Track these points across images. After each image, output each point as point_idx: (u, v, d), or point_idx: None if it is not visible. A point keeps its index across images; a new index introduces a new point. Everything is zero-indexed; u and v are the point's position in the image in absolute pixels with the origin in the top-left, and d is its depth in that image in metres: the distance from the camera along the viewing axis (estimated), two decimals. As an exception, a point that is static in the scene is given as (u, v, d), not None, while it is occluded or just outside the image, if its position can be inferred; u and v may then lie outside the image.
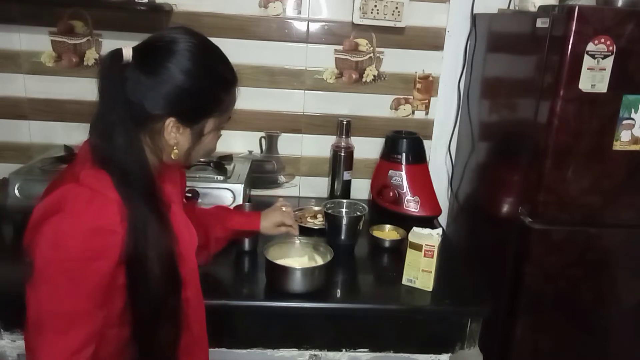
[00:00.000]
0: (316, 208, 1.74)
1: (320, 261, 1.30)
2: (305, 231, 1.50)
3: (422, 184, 1.78)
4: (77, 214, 0.79)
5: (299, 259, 1.32)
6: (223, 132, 1.01)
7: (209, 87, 0.90)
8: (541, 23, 1.35)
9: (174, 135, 0.89)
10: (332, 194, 1.87)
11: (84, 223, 0.79)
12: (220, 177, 1.61)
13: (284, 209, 1.34)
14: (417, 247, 1.28)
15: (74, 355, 0.80)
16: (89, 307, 0.81)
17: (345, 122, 1.82)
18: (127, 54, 0.84)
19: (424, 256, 1.27)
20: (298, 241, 1.35)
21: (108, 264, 0.80)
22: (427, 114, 1.92)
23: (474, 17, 1.79)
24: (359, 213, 1.52)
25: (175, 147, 0.91)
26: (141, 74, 0.84)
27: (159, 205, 0.89)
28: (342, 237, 1.49)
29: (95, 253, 0.79)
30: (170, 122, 0.87)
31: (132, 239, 0.81)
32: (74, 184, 0.82)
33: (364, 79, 1.86)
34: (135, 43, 0.89)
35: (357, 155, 1.86)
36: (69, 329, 0.80)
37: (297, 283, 1.23)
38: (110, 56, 0.85)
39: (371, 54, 1.84)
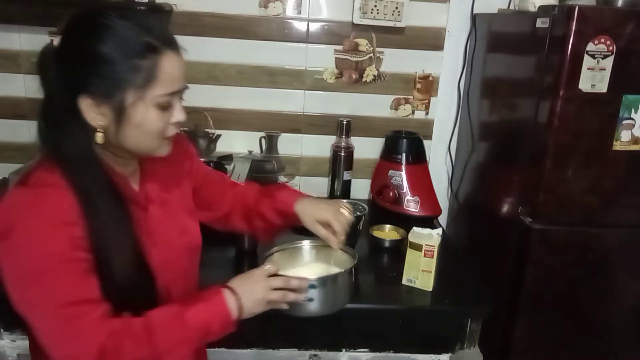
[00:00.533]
0: (316, 208, 1.73)
1: (335, 269, 1.09)
2: (304, 231, 1.50)
3: (422, 184, 1.78)
4: (30, 228, 0.77)
5: (312, 267, 1.12)
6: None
7: (114, 53, 0.79)
8: (541, 23, 1.35)
9: (94, 116, 0.81)
10: (332, 194, 1.87)
11: (41, 228, 0.77)
12: (220, 177, 1.60)
13: (342, 210, 1.09)
14: (417, 247, 1.28)
15: (105, 322, 0.79)
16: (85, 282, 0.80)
17: (345, 122, 1.82)
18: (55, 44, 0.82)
19: (424, 256, 1.27)
20: (307, 245, 1.16)
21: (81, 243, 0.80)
22: (427, 114, 1.92)
23: (474, 17, 1.79)
24: (359, 213, 1.52)
25: (98, 129, 0.82)
26: (54, 57, 0.81)
27: (113, 202, 0.84)
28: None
29: (66, 243, 0.78)
30: (84, 100, 0.80)
31: (90, 232, 0.80)
32: (18, 187, 0.81)
33: (364, 79, 1.86)
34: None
35: (357, 155, 1.86)
36: (84, 311, 0.78)
37: (317, 303, 1.01)
38: (40, 51, 0.83)
39: (371, 54, 1.84)
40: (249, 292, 0.89)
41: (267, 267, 0.94)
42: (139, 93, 0.81)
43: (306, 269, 1.10)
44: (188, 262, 1.01)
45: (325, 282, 1.00)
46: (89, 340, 0.76)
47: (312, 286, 0.97)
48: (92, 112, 0.81)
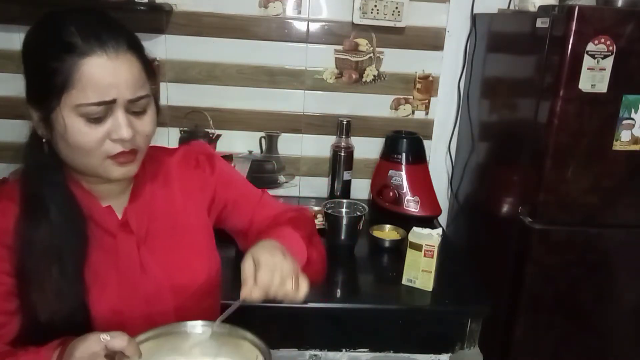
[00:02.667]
0: (316, 208, 1.74)
1: None
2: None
3: (422, 184, 1.78)
4: None
5: None
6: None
7: (37, 56, 0.74)
8: (541, 23, 1.35)
9: (37, 124, 0.77)
10: (332, 194, 1.87)
11: None
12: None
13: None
14: (417, 247, 1.28)
15: None
16: None
17: (345, 122, 1.82)
18: None
19: (424, 256, 1.27)
20: (205, 329, 0.80)
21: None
22: (427, 114, 1.92)
23: (474, 17, 1.79)
24: (359, 213, 1.52)
25: (44, 139, 0.77)
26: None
27: (64, 217, 0.77)
28: (342, 237, 1.49)
29: None
30: (29, 107, 0.76)
31: (21, 255, 0.75)
32: None
33: (364, 79, 1.86)
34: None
35: (357, 155, 1.86)
36: None
37: None
38: None
39: (371, 54, 1.84)
40: None
41: (105, 336, 0.66)
42: (57, 99, 0.71)
43: None
44: (178, 303, 0.87)
45: None
46: None
47: None
48: (35, 120, 0.77)
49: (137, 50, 0.76)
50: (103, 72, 0.71)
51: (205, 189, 0.94)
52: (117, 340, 0.66)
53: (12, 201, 0.77)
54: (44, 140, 0.78)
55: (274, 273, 0.74)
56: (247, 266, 0.76)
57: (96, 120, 0.73)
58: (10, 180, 0.81)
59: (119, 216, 0.84)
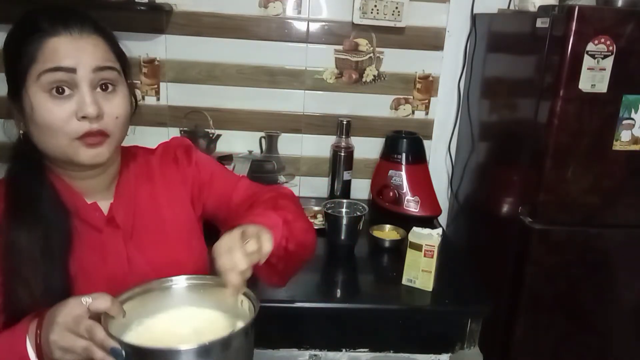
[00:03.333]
0: (316, 208, 1.74)
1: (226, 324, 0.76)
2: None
3: (422, 184, 1.78)
4: None
5: (190, 313, 0.78)
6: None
7: (7, 45, 0.77)
8: (541, 23, 1.35)
9: (16, 118, 0.78)
10: (332, 194, 1.87)
11: None
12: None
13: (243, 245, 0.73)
14: (417, 247, 1.28)
15: None
16: None
17: (345, 122, 1.82)
18: None
19: (424, 256, 1.27)
20: (187, 283, 0.80)
21: None
22: (427, 114, 1.92)
23: (474, 17, 1.79)
24: (359, 213, 1.52)
25: (20, 130, 0.78)
26: None
27: (47, 212, 0.77)
28: (342, 237, 1.49)
29: None
30: (10, 105, 0.78)
31: (3, 251, 0.74)
32: None
33: (364, 79, 1.86)
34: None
35: (357, 155, 1.86)
36: None
37: None
38: None
39: (371, 54, 1.84)
40: (47, 328, 0.66)
41: (86, 298, 0.65)
42: (23, 78, 0.74)
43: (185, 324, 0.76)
44: None
45: (141, 355, 0.64)
46: None
47: (115, 353, 0.63)
48: (15, 115, 0.78)
49: (104, 34, 0.78)
50: (66, 46, 0.73)
51: (185, 182, 0.94)
52: (100, 301, 0.65)
53: None
54: (21, 132, 0.79)
55: (232, 252, 0.71)
56: (217, 266, 0.72)
57: (60, 94, 0.73)
58: None
59: (105, 212, 0.85)
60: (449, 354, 1.33)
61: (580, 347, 1.50)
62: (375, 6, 1.74)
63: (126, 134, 0.84)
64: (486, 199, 1.71)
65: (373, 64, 1.85)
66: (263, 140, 1.88)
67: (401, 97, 1.89)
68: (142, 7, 1.58)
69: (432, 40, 1.84)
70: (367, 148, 1.90)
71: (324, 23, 1.80)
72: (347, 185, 1.86)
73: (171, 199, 0.92)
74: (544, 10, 1.38)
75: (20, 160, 0.81)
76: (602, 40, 1.24)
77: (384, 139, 1.85)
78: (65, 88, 0.74)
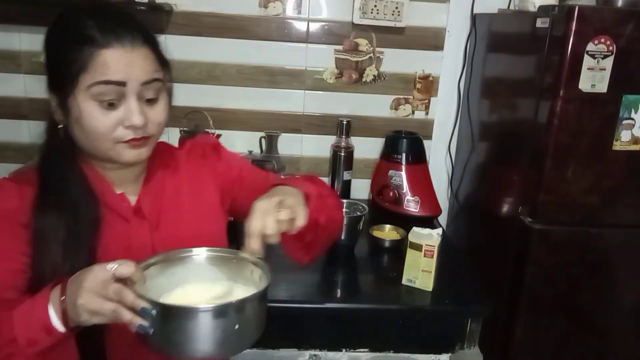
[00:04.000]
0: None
1: (240, 291, 0.80)
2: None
3: (422, 184, 1.78)
4: None
5: (206, 287, 0.82)
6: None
7: (56, 47, 0.80)
8: (541, 23, 1.35)
9: (55, 110, 0.81)
10: (332, 194, 1.87)
11: None
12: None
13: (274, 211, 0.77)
14: (417, 247, 1.28)
15: None
16: None
17: (345, 122, 1.82)
18: None
19: (424, 256, 1.27)
20: (204, 254, 0.84)
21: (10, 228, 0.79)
22: (427, 114, 1.92)
23: (474, 17, 1.79)
24: (359, 213, 1.52)
25: (59, 125, 0.82)
26: None
27: (77, 202, 0.80)
28: (342, 237, 1.49)
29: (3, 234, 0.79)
30: (49, 95, 0.81)
31: (34, 234, 0.78)
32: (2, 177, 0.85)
33: (364, 79, 1.86)
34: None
35: (357, 155, 1.86)
36: None
37: (201, 338, 0.68)
38: None
39: (371, 54, 1.84)
40: (73, 293, 0.68)
41: (111, 265, 0.68)
42: (73, 84, 0.77)
43: (202, 290, 0.82)
44: None
45: (170, 313, 0.67)
46: None
47: (145, 312, 0.66)
48: (53, 107, 0.81)
49: (152, 44, 0.82)
50: (117, 60, 0.76)
51: (215, 177, 0.98)
52: (125, 267, 0.68)
53: (31, 185, 0.81)
54: (60, 126, 0.82)
55: (266, 218, 0.75)
56: (247, 225, 0.76)
57: (109, 105, 0.77)
58: (29, 167, 0.85)
59: (132, 203, 0.88)
60: (449, 354, 1.33)
61: (580, 347, 1.50)
62: (375, 6, 1.74)
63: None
64: (486, 199, 1.71)
65: (373, 64, 1.85)
66: (263, 140, 1.88)
67: (401, 97, 1.89)
68: (142, 7, 1.58)
69: (432, 40, 1.84)
70: (367, 148, 1.90)
71: (324, 23, 1.80)
72: (347, 185, 1.86)
73: (195, 193, 0.95)
74: (544, 10, 1.38)
75: (54, 148, 0.83)
76: (602, 40, 1.24)
77: (384, 139, 1.85)
78: (114, 101, 0.77)
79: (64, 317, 0.69)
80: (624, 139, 1.32)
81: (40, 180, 0.81)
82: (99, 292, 0.66)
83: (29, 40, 1.73)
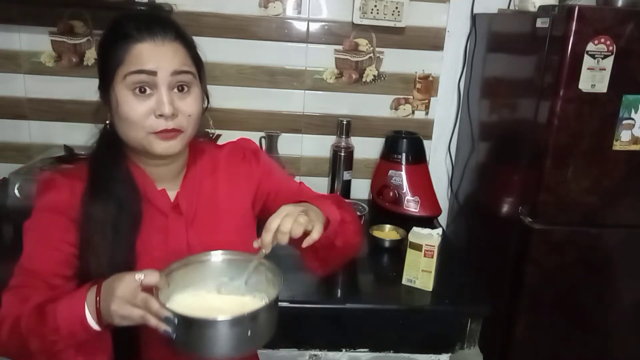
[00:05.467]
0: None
1: (251, 302, 0.86)
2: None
3: (422, 184, 1.78)
4: (36, 204, 0.89)
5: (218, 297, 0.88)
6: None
7: (100, 48, 0.89)
8: (541, 23, 1.35)
9: (102, 108, 0.90)
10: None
11: (37, 198, 0.89)
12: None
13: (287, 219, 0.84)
14: (417, 247, 1.28)
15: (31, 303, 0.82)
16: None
17: (345, 122, 1.82)
18: None
19: (424, 256, 1.27)
20: (216, 258, 0.91)
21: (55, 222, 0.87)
22: (427, 114, 1.92)
23: (474, 17, 1.79)
24: (358, 213, 1.52)
25: (107, 120, 0.90)
26: None
27: (121, 194, 0.88)
28: (342, 237, 1.49)
29: (53, 226, 0.87)
30: (99, 94, 0.91)
31: (81, 225, 0.86)
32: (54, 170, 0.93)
33: (364, 79, 1.86)
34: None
35: (357, 155, 1.86)
36: (33, 285, 0.85)
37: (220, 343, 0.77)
38: None
39: (371, 54, 1.84)
40: (106, 299, 0.76)
41: (139, 275, 0.75)
42: (112, 77, 0.85)
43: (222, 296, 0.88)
44: None
45: (188, 323, 0.75)
46: (9, 309, 0.81)
47: (168, 320, 0.74)
48: (101, 104, 0.89)
49: (184, 41, 0.89)
50: (149, 51, 0.84)
51: (250, 179, 1.04)
52: (150, 277, 0.76)
53: (81, 180, 0.88)
54: (107, 122, 0.90)
55: (285, 218, 0.82)
56: (267, 221, 0.84)
57: (142, 93, 0.84)
58: (80, 163, 0.93)
59: (171, 199, 0.95)
60: (449, 354, 1.33)
61: (580, 347, 1.50)
62: (375, 6, 1.74)
63: (197, 130, 0.94)
64: (486, 199, 1.71)
65: (373, 64, 1.85)
66: (263, 140, 1.88)
67: (401, 97, 1.89)
68: (142, 7, 1.58)
69: (432, 40, 1.84)
70: (367, 148, 1.90)
71: (324, 23, 1.80)
72: (347, 185, 1.86)
73: (231, 192, 1.01)
74: (544, 10, 1.38)
75: (104, 145, 0.91)
76: (602, 40, 1.24)
77: (384, 139, 1.85)
78: (147, 88, 0.84)
79: (99, 315, 0.76)
80: (624, 139, 1.32)
81: (90, 173, 0.89)
82: (129, 300, 0.74)
83: (29, 40, 1.73)
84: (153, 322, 0.74)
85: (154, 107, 0.84)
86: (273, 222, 0.82)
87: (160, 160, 0.92)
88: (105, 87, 0.87)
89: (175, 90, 0.87)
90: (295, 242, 0.85)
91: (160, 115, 0.85)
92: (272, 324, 0.83)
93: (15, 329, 0.78)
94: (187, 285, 0.87)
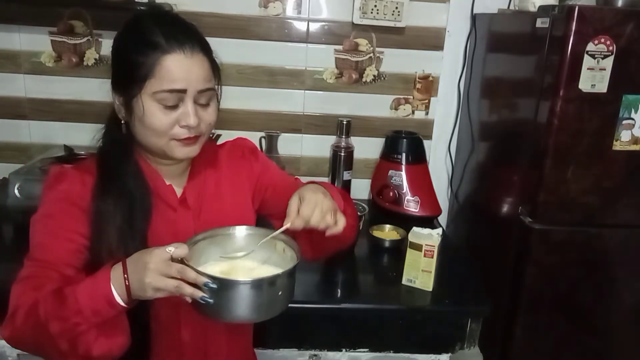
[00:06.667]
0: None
1: (272, 268, 0.92)
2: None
3: (422, 184, 1.78)
4: (47, 196, 0.91)
5: (240, 263, 0.94)
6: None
7: (124, 50, 0.89)
8: (541, 23, 1.35)
9: (118, 108, 0.91)
10: (332, 194, 1.87)
11: (48, 189, 0.91)
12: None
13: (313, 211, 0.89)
14: (417, 247, 1.28)
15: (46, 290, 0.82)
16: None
17: (345, 122, 1.82)
18: None
19: (424, 256, 1.27)
20: (243, 232, 0.98)
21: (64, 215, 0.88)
22: (427, 114, 1.92)
23: (474, 17, 1.79)
24: (359, 213, 1.52)
25: (122, 122, 0.92)
26: None
27: (131, 189, 0.90)
28: (342, 237, 1.49)
29: (66, 217, 0.88)
30: (114, 93, 0.91)
31: (93, 217, 0.87)
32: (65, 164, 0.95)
33: (364, 79, 1.86)
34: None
35: (357, 155, 1.86)
36: (47, 275, 0.85)
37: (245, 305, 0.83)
38: None
39: (371, 54, 1.84)
40: (137, 273, 0.77)
41: (169, 248, 0.78)
42: (139, 87, 0.86)
43: (241, 264, 0.94)
44: None
45: (228, 286, 0.80)
46: (22, 298, 0.81)
47: (208, 286, 0.78)
48: (117, 105, 0.91)
49: (208, 52, 0.91)
50: (179, 67, 0.86)
51: (251, 176, 1.08)
52: (181, 250, 0.79)
53: (91, 174, 0.91)
54: (122, 122, 0.92)
55: (316, 207, 0.88)
56: (292, 201, 0.90)
57: (170, 107, 0.87)
58: (89, 158, 0.95)
59: (178, 194, 0.98)
60: (449, 354, 1.33)
61: (580, 347, 1.50)
62: (375, 6, 1.74)
63: None
64: (486, 199, 1.71)
65: (373, 64, 1.85)
66: (263, 140, 1.88)
67: (401, 97, 1.89)
68: (142, 7, 1.58)
69: (432, 40, 1.84)
70: (367, 148, 1.90)
71: (324, 23, 1.80)
72: (347, 185, 1.86)
73: (233, 187, 1.05)
74: (544, 10, 1.38)
75: (114, 142, 0.94)
76: (602, 40, 1.24)
77: (384, 139, 1.85)
78: (175, 103, 0.87)
79: (128, 292, 0.78)
80: (624, 139, 1.32)
81: (100, 170, 0.91)
82: (163, 271, 0.76)
83: (29, 40, 1.73)
84: (188, 290, 0.77)
85: (179, 117, 0.88)
86: (307, 213, 0.87)
87: (173, 160, 0.95)
88: (128, 91, 0.87)
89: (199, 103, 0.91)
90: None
91: (185, 125, 0.88)
92: (293, 289, 0.90)
93: (32, 315, 0.78)
94: (209, 257, 0.92)
